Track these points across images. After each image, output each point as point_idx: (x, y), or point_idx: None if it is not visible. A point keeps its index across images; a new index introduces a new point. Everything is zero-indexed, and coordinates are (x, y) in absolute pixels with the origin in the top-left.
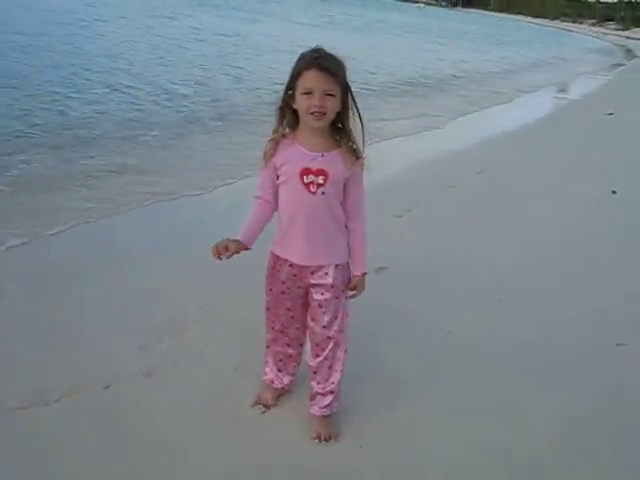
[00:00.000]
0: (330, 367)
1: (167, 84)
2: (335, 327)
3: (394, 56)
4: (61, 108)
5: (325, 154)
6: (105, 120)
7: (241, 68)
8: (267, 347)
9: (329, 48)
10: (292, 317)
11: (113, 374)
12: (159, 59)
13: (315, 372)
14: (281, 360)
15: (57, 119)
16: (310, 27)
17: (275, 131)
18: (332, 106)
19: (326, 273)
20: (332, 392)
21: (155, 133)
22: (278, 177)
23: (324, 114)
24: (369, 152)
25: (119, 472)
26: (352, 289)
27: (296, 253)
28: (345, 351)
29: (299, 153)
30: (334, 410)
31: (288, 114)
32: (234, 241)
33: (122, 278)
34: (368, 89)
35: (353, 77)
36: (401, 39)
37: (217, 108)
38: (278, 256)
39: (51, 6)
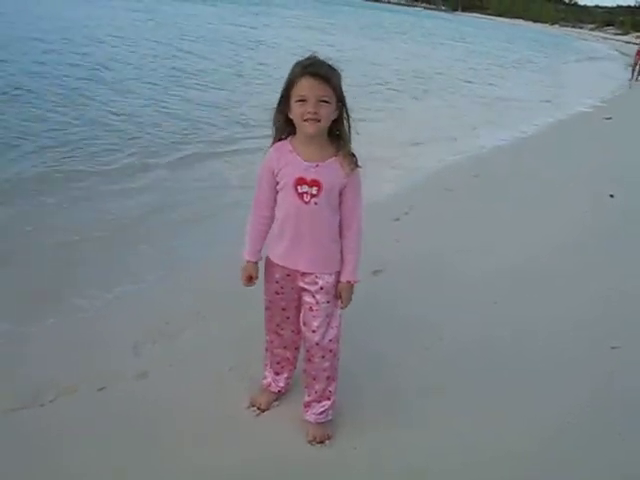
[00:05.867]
0: (328, 377)
1: None
2: (327, 335)
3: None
4: None
5: (320, 164)
6: None
7: None
8: (266, 350)
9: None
10: (287, 318)
11: (107, 376)
12: None
13: (311, 379)
14: (278, 363)
15: None
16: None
17: (274, 140)
18: (326, 113)
19: (316, 277)
20: (328, 399)
21: None
22: (278, 183)
23: (318, 121)
24: (367, 155)
25: (113, 472)
26: (339, 297)
27: (287, 259)
28: (338, 359)
29: (295, 162)
30: (329, 417)
31: (284, 124)
32: (253, 265)
33: (116, 282)
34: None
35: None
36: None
37: None
38: (272, 260)
39: None
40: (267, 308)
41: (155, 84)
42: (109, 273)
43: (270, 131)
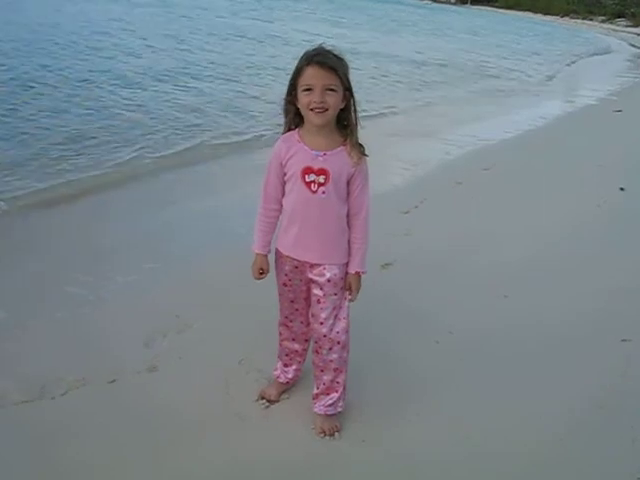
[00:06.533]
0: (335, 369)
1: None
2: (335, 327)
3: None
4: None
5: (328, 153)
6: None
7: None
8: (280, 343)
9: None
10: (296, 310)
11: (118, 369)
12: None
13: (319, 371)
14: (287, 355)
15: None
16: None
17: (285, 130)
18: (333, 102)
19: (324, 269)
20: (336, 391)
21: None
22: (285, 174)
23: (325, 110)
24: (376, 148)
25: (123, 465)
26: (347, 288)
27: (295, 250)
28: (348, 351)
29: (303, 152)
30: (339, 409)
31: (292, 113)
32: (263, 257)
33: (127, 275)
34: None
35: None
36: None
37: None
38: (281, 251)
39: None
40: (280, 300)
41: (167, 76)
42: (114, 265)
43: (281, 122)
